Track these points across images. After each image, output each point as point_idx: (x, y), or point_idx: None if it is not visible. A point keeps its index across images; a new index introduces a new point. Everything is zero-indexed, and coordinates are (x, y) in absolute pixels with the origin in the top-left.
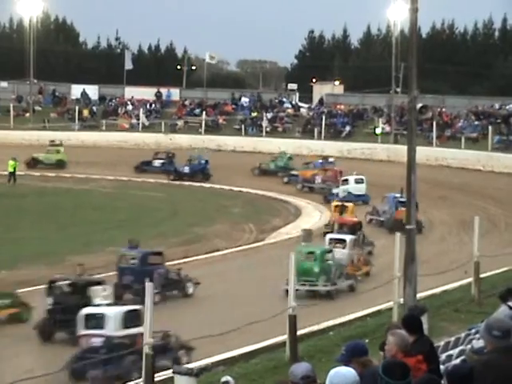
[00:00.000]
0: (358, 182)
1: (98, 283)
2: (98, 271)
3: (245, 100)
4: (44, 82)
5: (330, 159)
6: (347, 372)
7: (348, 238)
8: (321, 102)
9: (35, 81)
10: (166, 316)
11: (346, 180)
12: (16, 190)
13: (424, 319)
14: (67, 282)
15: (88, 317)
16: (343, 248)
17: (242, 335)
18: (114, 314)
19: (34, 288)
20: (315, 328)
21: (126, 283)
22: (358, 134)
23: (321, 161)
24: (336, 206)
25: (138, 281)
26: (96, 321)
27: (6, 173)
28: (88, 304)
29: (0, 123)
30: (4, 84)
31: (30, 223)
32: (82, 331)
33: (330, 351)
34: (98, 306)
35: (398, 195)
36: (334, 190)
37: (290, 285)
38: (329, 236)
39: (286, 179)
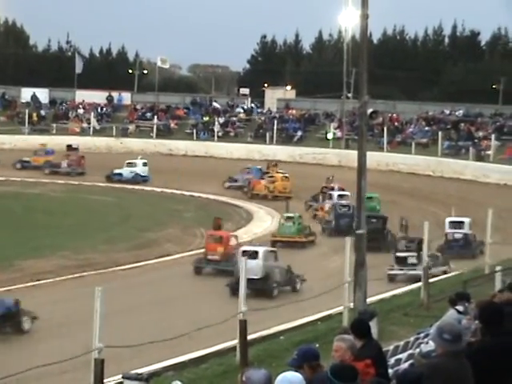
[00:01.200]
0: (144, 164)
1: None
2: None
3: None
4: None
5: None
6: (293, 377)
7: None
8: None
9: None
10: (116, 320)
11: (132, 163)
12: None
13: (373, 323)
14: None
15: None
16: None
17: (192, 340)
18: None
19: None
20: (265, 332)
21: None
22: (310, 138)
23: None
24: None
25: None
26: None
27: None
28: None
29: None
30: None
31: None
32: None
33: (281, 356)
34: None
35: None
36: (118, 171)
37: (241, 291)
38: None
39: None
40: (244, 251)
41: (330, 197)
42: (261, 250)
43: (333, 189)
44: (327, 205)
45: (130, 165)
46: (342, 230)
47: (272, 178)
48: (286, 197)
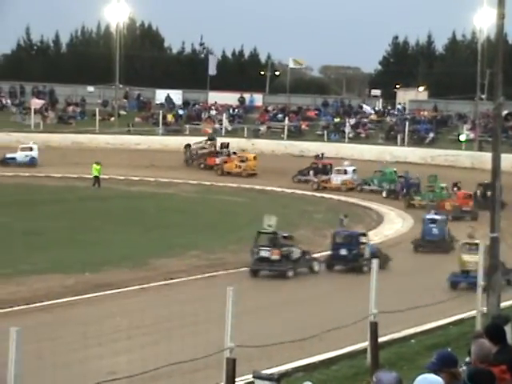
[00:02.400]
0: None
1: None
2: (180, 275)
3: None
4: (129, 87)
5: None
6: (435, 380)
7: None
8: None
9: (121, 86)
10: (246, 320)
11: (27, 147)
12: (101, 193)
13: (508, 328)
14: None
15: None
16: None
17: (322, 341)
18: None
19: (116, 291)
20: (396, 335)
21: None
22: (442, 140)
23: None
24: None
25: None
26: None
27: (91, 176)
28: None
29: (86, 127)
30: (91, 89)
31: (115, 226)
32: None
33: (412, 359)
34: None
35: None
36: (11, 155)
37: (372, 293)
38: None
39: None
40: None
41: (345, 172)
42: None
43: (329, 165)
44: (335, 178)
45: (25, 149)
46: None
47: (243, 157)
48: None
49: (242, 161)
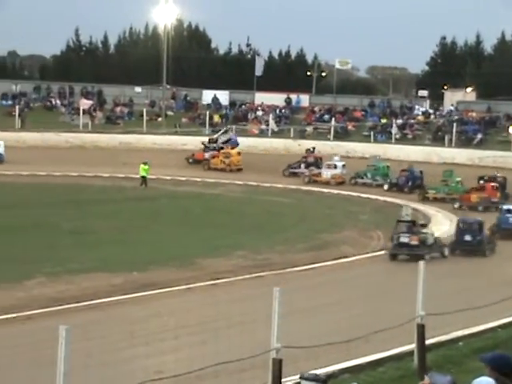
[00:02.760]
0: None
1: None
2: (227, 275)
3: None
4: (176, 88)
5: None
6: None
7: None
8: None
9: (168, 86)
10: (292, 321)
11: None
12: (148, 193)
13: None
14: None
15: None
16: None
17: (368, 343)
18: None
19: (163, 291)
20: (443, 338)
21: None
22: (490, 141)
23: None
24: None
25: None
26: None
27: (138, 176)
28: None
29: (133, 127)
30: (138, 89)
31: (162, 226)
32: None
33: (460, 362)
34: None
35: None
36: None
37: (418, 295)
38: None
39: None
40: None
41: (335, 167)
42: None
43: (320, 159)
44: (325, 172)
45: None
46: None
47: (227, 153)
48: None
49: (227, 157)
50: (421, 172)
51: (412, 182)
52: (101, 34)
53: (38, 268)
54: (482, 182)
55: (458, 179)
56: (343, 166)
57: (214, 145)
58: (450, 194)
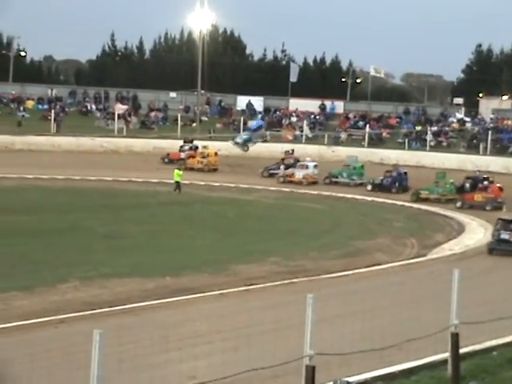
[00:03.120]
0: None
1: None
2: (260, 281)
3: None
4: (211, 93)
5: None
6: None
7: None
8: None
9: (203, 92)
10: (325, 328)
11: None
12: (182, 198)
13: None
14: None
15: None
16: None
17: (401, 351)
18: None
19: (196, 296)
20: (477, 347)
21: None
22: None
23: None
24: None
25: None
26: None
27: (172, 181)
28: None
29: (168, 133)
30: (173, 94)
31: (195, 231)
32: None
33: (493, 371)
34: None
35: None
36: None
37: (452, 304)
38: None
39: None
40: None
41: (307, 167)
42: None
43: (298, 160)
44: (298, 173)
45: None
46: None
47: (204, 153)
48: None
49: (204, 157)
50: (405, 173)
51: (398, 182)
52: (136, 39)
53: (72, 272)
54: (486, 182)
55: (451, 181)
56: (315, 166)
57: (190, 144)
58: (443, 195)
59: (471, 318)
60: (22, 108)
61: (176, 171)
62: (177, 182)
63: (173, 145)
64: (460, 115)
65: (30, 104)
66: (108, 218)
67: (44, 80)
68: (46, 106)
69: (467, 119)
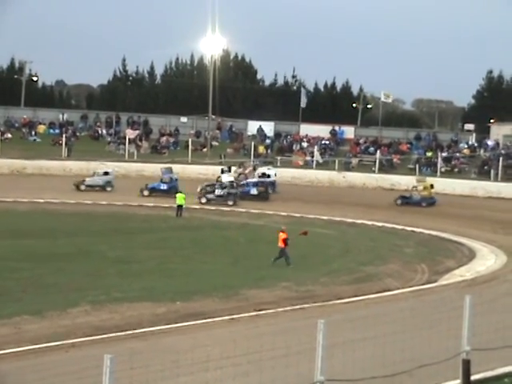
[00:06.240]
0: None
1: None
2: (270, 306)
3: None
4: (222, 118)
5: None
6: None
7: None
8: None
9: (214, 116)
10: (336, 354)
11: None
12: (192, 223)
13: None
14: None
15: None
16: None
17: (412, 378)
18: None
19: (206, 321)
20: (489, 374)
21: None
22: None
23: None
24: None
25: None
26: None
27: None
28: None
29: (178, 157)
30: (184, 119)
31: (205, 256)
32: None
33: None
34: None
35: None
36: None
37: (464, 331)
38: None
39: None
40: None
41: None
42: None
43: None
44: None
45: None
46: None
47: None
48: None
49: None
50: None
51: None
52: (147, 64)
53: (83, 296)
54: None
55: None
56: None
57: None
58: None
59: (482, 344)
60: (33, 132)
61: (179, 195)
62: (179, 206)
63: (183, 169)
64: (471, 142)
65: (41, 129)
66: (118, 243)
67: (55, 104)
68: (57, 131)
69: (475, 144)
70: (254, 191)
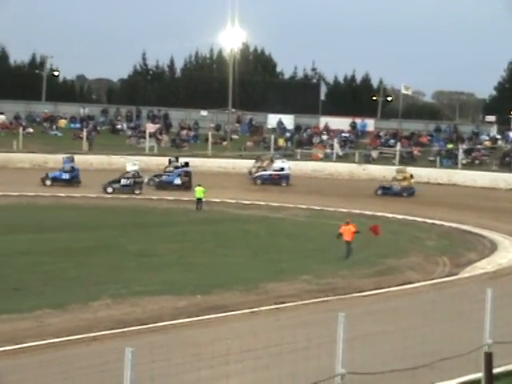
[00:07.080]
0: None
1: None
2: (291, 299)
3: None
4: (242, 111)
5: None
6: None
7: None
8: None
9: (233, 110)
10: (357, 346)
11: None
12: (212, 216)
13: None
14: None
15: None
16: None
17: (433, 371)
18: None
19: (227, 314)
20: (511, 367)
21: None
22: None
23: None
24: None
25: None
26: None
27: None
28: None
29: (199, 151)
30: (204, 113)
31: (226, 249)
32: None
33: None
34: None
35: None
36: None
37: (486, 324)
38: None
39: None
40: None
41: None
42: None
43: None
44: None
45: None
46: None
47: None
48: None
49: None
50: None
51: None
52: (167, 58)
53: (104, 290)
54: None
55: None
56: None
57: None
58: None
59: (504, 337)
60: (54, 127)
61: (198, 188)
62: (199, 199)
63: (203, 163)
64: (492, 133)
65: (62, 123)
66: (139, 236)
67: (76, 99)
68: (78, 125)
69: (498, 136)
70: (177, 181)
